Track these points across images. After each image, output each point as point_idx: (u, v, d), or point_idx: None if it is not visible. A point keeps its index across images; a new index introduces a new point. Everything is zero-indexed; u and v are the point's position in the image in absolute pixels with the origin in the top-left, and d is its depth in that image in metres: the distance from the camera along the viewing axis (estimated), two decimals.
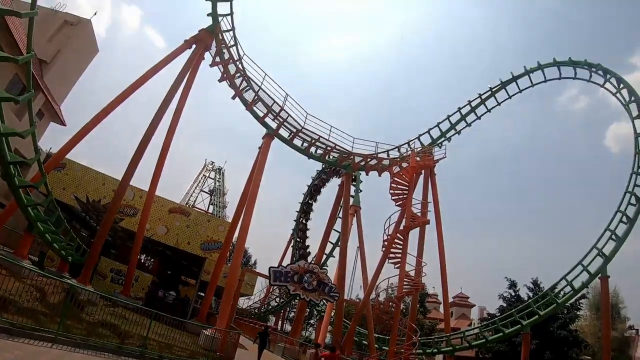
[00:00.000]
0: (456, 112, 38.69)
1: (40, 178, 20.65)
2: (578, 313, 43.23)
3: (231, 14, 27.64)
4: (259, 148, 29.86)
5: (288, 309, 63.37)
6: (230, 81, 28.19)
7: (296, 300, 45.33)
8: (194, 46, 27.57)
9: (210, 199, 79.23)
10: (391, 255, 30.22)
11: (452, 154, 60.17)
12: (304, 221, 52.94)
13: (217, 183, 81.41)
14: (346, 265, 31.83)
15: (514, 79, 37.63)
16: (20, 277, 15.79)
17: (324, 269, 27.75)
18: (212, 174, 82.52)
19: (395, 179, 30.95)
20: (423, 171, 34.71)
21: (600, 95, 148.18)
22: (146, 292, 32.33)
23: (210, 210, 72.87)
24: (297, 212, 53.46)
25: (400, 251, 30.02)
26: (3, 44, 24.68)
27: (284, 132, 30.24)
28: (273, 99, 28.67)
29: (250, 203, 27.10)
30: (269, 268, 25.05)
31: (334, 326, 30.89)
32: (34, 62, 24.67)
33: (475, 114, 38.55)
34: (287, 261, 49.81)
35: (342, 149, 31.67)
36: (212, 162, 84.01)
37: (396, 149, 36.03)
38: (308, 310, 51.52)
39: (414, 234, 32.21)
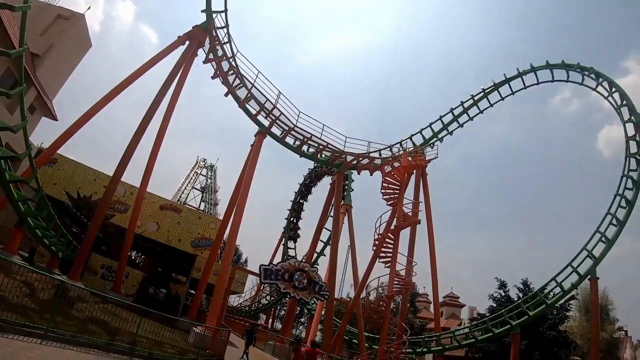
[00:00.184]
0: (448, 112, 38.75)
1: (31, 173, 20.58)
2: (567, 314, 43.39)
3: (225, 10, 27.66)
4: (251, 146, 29.80)
5: (279, 307, 63.41)
6: (224, 78, 28.14)
7: (287, 299, 45.37)
8: (187, 42, 27.57)
9: (202, 196, 78.98)
10: (382, 254, 30.32)
11: (444, 155, 60.48)
12: (294, 220, 52.99)
13: (209, 180, 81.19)
14: (337, 264, 31.89)
15: (507, 80, 37.77)
16: (10, 272, 15.74)
17: (315, 268, 27.79)
18: (204, 171, 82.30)
19: (387, 178, 31.04)
20: (415, 171, 34.78)
21: (593, 99, 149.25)
22: (137, 289, 32.22)
23: (202, 208, 72.62)
24: (289, 210, 53.49)
25: (391, 250, 30.13)
26: None
27: (276, 130, 30.21)
28: (266, 97, 28.65)
29: (241, 200, 27.06)
30: (260, 266, 25.06)
31: (324, 325, 30.94)
32: (27, 56, 24.50)
33: (468, 115, 38.64)
34: (278, 259, 49.78)
35: (334, 147, 31.70)
36: (204, 160, 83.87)
37: (388, 149, 36.09)
38: (298, 308, 51.55)
39: (404, 234, 32.36)
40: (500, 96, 38.39)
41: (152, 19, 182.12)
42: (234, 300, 59.40)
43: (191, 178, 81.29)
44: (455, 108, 38.74)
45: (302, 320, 67.60)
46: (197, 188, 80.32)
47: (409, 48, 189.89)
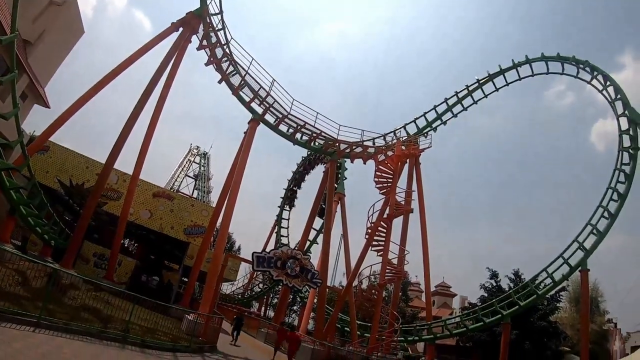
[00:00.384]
0: (443, 102, 38.74)
1: (23, 161, 20.45)
2: (558, 305, 43.79)
3: None
4: (245, 133, 29.71)
5: (271, 295, 63.59)
6: (217, 65, 27.98)
7: (279, 287, 45.52)
8: (180, 29, 27.35)
9: (195, 184, 78.83)
10: (374, 242, 30.40)
11: (438, 145, 60.58)
12: (287, 207, 53.04)
13: (202, 168, 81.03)
14: (329, 252, 31.96)
15: (502, 72, 37.74)
16: (3, 261, 15.70)
17: (307, 255, 27.80)
18: (197, 159, 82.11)
19: (380, 167, 31.05)
20: (408, 160, 34.79)
21: (587, 92, 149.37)
22: (129, 277, 32.24)
23: (195, 195, 72.59)
24: (282, 198, 53.51)
25: (384, 239, 30.23)
26: None
27: (269, 118, 30.10)
28: (259, 84, 28.48)
29: (234, 188, 27.02)
30: (252, 253, 25.01)
31: (317, 312, 31.08)
32: (18, 42, 24.21)
33: (462, 105, 38.65)
34: (271, 248, 49.88)
35: (327, 135, 31.65)
36: (197, 147, 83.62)
37: (382, 137, 36.13)
38: (291, 296, 51.70)
39: (397, 223, 32.47)
40: (495, 87, 38.41)
41: (145, 5, 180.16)
42: (226, 288, 59.60)
43: (184, 166, 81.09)
44: (449, 98, 38.75)
45: (295, 308, 67.85)
46: (190, 176, 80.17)
47: (404, 39, 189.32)
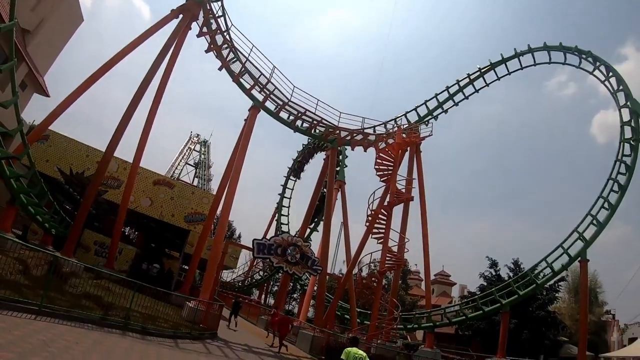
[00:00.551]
0: (444, 90, 38.54)
1: (23, 150, 20.35)
2: (557, 295, 43.88)
3: None
4: (245, 120, 29.60)
5: (271, 283, 63.79)
6: (217, 52, 27.80)
7: (279, 274, 45.63)
8: (180, 16, 27.10)
9: (195, 172, 78.89)
10: (375, 230, 30.48)
11: (439, 134, 60.52)
12: (288, 195, 52.98)
13: (202, 156, 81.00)
14: (330, 240, 31.99)
15: (504, 60, 37.47)
16: (3, 250, 15.69)
17: (308, 243, 27.82)
18: (198, 147, 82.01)
19: (381, 154, 31.02)
20: (409, 148, 34.74)
21: (589, 83, 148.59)
22: (130, 265, 32.30)
23: (195, 183, 72.57)
24: (282, 186, 53.41)
25: (384, 227, 30.27)
26: None
27: (270, 105, 29.94)
28: (260, 71, 28.31)
29: (235, 175, 26.96)
30: (253, 240, 24.99)
31: (317, 300, 31.16)
32: (17, 31, 23.99)
33: (463, 94, 38.45)
34: (271, 235, 49.94)
35: (328, 123, 31.53)
36: (198, 135, 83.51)
37: (382, 125, 35.95)
38: (291, 284, 51.86)
39: (397, 211, 32.48)
40: (497, 76, 38.14)
41: None
42: (227, 276, 59.79)
43: (184, 154, 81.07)
44: (451, 86, 38.53)
45: (295, 296, 68.10)
46: (191, 164, 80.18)
47: (405, 27, 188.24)
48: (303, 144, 50.58)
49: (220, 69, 28.23)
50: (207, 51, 27.79)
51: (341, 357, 9.37)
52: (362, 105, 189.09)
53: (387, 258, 30.11)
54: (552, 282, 36.21)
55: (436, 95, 38.61)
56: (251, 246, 25.24)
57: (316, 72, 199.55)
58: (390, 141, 32.08)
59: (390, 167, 31.10)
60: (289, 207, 52.71)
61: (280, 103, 29.80)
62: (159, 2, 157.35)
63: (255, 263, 54.74)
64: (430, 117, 38.31)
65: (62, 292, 15.05)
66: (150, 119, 27.58)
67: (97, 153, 31.55)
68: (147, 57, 27.19)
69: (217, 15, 27.28)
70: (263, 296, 60.90)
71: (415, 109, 38.54)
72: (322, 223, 37.70)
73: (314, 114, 30.59)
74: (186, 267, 38.10)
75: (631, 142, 29.38)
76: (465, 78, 38.36)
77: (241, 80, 28.67)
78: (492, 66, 37.78)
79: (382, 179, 31.28)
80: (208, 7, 26.89)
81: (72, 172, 29.50)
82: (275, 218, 54.04)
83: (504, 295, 30.99)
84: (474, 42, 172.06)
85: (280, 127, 31.14)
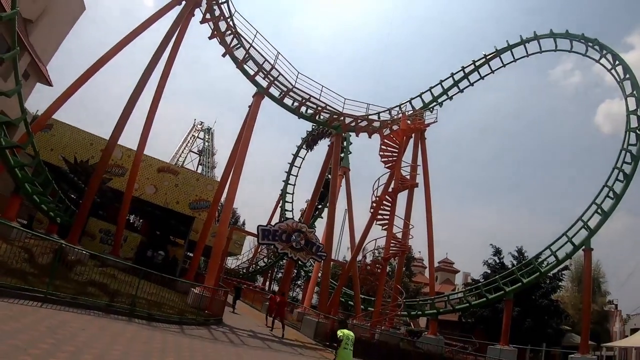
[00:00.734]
0: (449, 77, 38.29)
1: (27, 139, 20.32)
2: (560, 284, 43.76)
3: None
4: (249, 107, 29.52)
5: (276, 270, 64.01)
6: (221, 39, 27.59)
7: (284, 261, 45.77)
8: (183, 2, 26.97)
9: (199, 159, 78.87)
10: (379, 216, 30.48)
11: (443, 121, 59.87)
12: (292, 182, 52.99)
13: (206, 143, 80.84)
14: (334, 226, 31.99)
15: (509, 47, 37.21)
16: (9, 239, 15.73)
17: (313, 229, 27.78)
18: (201, 134, 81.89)
19: (386, 141, 30.91)
20: (413, 134, 34.64)
21: (595, 72, 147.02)
22: (135, 252, 32.42)
23: (199, 171, 72.56)
24: (286, 172, 53.39)
25: (389, 213, 30.23)
26: None
27: (274, 91, 29.86)
28: (264, 57, 28.14)
29: (239, 161, 26.95)
30: (258, 226, 24.99)
31: (321, 286, 31.21)
32: (19, 21, 23.85)
33: (468, 81, 38.20)
34: (275, 222, 50.04)
35: (332, 109, 31.37)
36: (201, 122, 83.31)
37: (387, 112, 35.80)
38: (295, 271, 52.06)
39: (402, 197, 32.44)
40: (502, 63, 37.92)
41: None
42: (231, 263, 59.99)
43: (188, 141, 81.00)
44: (455, 73, 38.26)
45: (299, 282, 68.37)
46: (195, 151, 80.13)
47: (411, 13, 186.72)
48: (307, 131, 50.52)
49: (224, 55, 28.05)
50: (210, 38, 27.60)
51: (339, 337, 11.04)
52: (366, 91, 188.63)
53: (392, 244, 30.12)
54: (555, 270, 36.16)
55: (441, 82, 38.36)
56: (256, 232, 25.25)
57: (320, 59, 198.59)
58: (395, 128, 31.98)
59: (394, 154, 31.00)
60: (293, 193, 52.81)
61: (285, 89, 29.67)
62: None
63: (259, 250, 54.92)
64: (435, 103, 38.16)
65: (68, 279, 15.11)
66: (154, 106, 27.52)
67: (101, 141, 31.52)
68: (150, 44, 27.10)
69: (220, 1, 27.06)
70: (267, 283, 61.15)
71: (420, 96, 38.37)
72: (326, 209, 37.71)
73: (319, 100, 30.45)
74: (191, 254, 38.25)
75: (637, 131, 29.17)
76: (470, 65, 38.10)
77: (245, 66, 28.53)
78: (498, 53, 37.50)
79: (386, 166, 31.21)
80: None
81: (76, 160, 29.50)
82: (280, 205, 54.13)
83: (507, 283, 31.04)
84: (480, 29, 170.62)
85: (286, 114, 31.04)
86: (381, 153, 30.98)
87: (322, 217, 46.30)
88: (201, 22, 27.35)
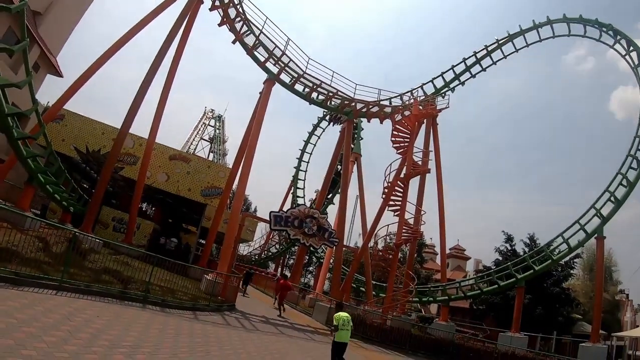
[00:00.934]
0: (461, 62, 37.91)
1: (38, 130, 20.41)
2: (571, 272, 43.43)
3: None
4: (260, 93, 29.46)
5: (287, 256, 64.23)
6: (230, 25, 27.41)
7: (295, 247, 45.89)
8: None
9: (211, 147, 79.06)
10: (391, 202, 30.41)
11: (455, 107, 59.64)
12: (303, 168, 52.92)
13: (217, 131, 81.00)
14: (346, 212, 31.97)
15: (522, 32, 36.70)
16: (23, 229, 15.86)
17: (325, 215, 27.77)
18: (212, 122, 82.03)
19: (397, 126, 30.74)
20: (425, 120, 34.41)
21: (608, 58, 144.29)
22: (148, 240, 32.65)
23: (210, 158, 72.76)
24: (298, 159, 53.33)
25: (400, 199, 30.14)
26: None
27: (285, 77, 29.75)
28: (274, 44, 28.00)
29: (250, 148, 26.96)
30: (270, 212, 24.99)
31: (333, 272, 31.34)
32: (28, 14, 23.89)
33: (481, 66, 37.79)
34: (287, 208, 50.07)
35: (344, 95, 31.26)
36: (212, 110, 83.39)
37: (399, 97, 35.62)
38: (307, 257, 52.17)
39: (414, 183, 32.30)
40: (515, 48, 37.44)
41: None
42: (243, 249, 60.32)
43: (199, 129, 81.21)
44: (467, 58, 37.86)
45: (311, 269, 68.60)
46: (206, 139, 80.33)
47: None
48: (319, 117, 50.39)
49: (234, 42, 27.92)
50: (220, 25, 27.42)
51: (334, 323, 11.47)
52: (377, 79, 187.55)
53: (403, 230, 30.06)
54: (567, 258, 35.94)
55: (453, 67, 37.98)
56: (268, 219, 25.28)
57: (329, 47, 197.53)
58: (407, 113, 31.79)
59: (406, 139, 30.83)
60: (304, 180, 52.75)
61: (295, 75, 29.56)
62: None
63: (271, 236, 55.09)
64: (447, 89, 37.82)
65: (82, 267, 15.25)
66: (165, 94, 27.54)
67: (113, 130, 31.69)
68: (160, 33, 27.08)
69: None
70: (279, 269, 61.42)
71: (431, 81, 38.06)
72: (338, 196, 37.67)
73: (330, 85, 30.36)
74: (203, 241, 38.42)
75: None
76: (482, 50, 37.65)
77: (255, 53, 28.40)
78: (510, 38, 37.01)
79: (398, 151, 31.06)
80: None
81: (88, 150, 29.65)
82: (291, 191, 54.15)
83: (519, 270, 30.84)
84: (492, 14, 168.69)
85: (297, 101, 30.98)
86: (393, 139, 30.82)
87: (333, 204, 46.35)
88: (210, 9, 27.17)
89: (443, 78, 37.99)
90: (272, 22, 27.49)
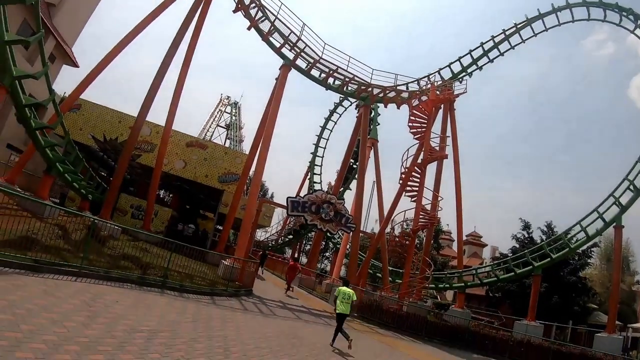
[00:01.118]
0: (478, 47, 37.25)
1: (56, 119, 20.63)
2: (589, 261, 42.96)
3: None
4: (276, 79, 29.40)
5: (304, 242, 64.34)
6: (245, 11, 27.29)
7: (312, 233, 46.00)
8: None
9: (227, 134, 79.25)
10: (408, 188, 30.28)
11: (472, 92, 58.97)
12: (320, 154, 52.78)
13: (234, 117, 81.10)
14: (363, 197, 31.89)
15: (540, 16, 35.93)
16: (42, 217, 16.07)
17: (342, 200, 27.70)
18: (228, 109, 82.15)
19: (414, 111, 30.51)
20: (442, 105, 34.09)
21: (629, 43, 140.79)
22: (166, 226, 32.92)
23: (227, 145, 72.94)
24: (314, 145, 53.17)
25: (418, 184, 29.99)
26: None
27: (301, 63, 29.62)
28: (290, 29, 27.85)
29: (267, 133, 26.98)
30: (287, 198, 24.93)
31: (350, 258, 31.35)
32: (42, 5, 24.03)
33: (498, 50, 37.11)
34: (304, 194, 50.08)
35: (360, 80, 31.05)
36: (228, 97, 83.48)
37: (415, 82, 35.22)
38: (323, 243, 52.22)
39: (431, 169, 32.10)
40: (533, 32, 36.66)
41: None
42: (260, 235, 60.58)
43: (216, 116, 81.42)
44: (485, 42, 37.20)
45: (327, 254, 68.75)
46: (222, 126, 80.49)
47: None
48: (335, 102, 50.19)
49: (249, 28, 27.81)
50: (234, 11, 27.30)
51: (336, 294, 14.17)
52: (395, 65, 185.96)
53: (420, 216, 29.95)
54: (585, 247, 35.60)
55: (470, 51, 37.39)
56: (285, 204, 25.31)
57: (347, 33, 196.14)
58: (424, 98, 31.49)
59: (423, 125, 30.60)
60: (321, 165, 52.64)
61: (311, 61, 29.42)
62: None
63: (288, 222, 55.18)
64: (464, 74, 37.30)
65: (101, 254, 15.43)
66: (181, 82, 27.54)
67: (130, 118, 31.93)
68: (175, 20, 27.05)
69: None
70: (296, 255, 61.57)
71: (449, 66, 37.55)
72: (354, 181, 37.58)
73: (346, 71, 30.18)
74: (220, 227, 38.69)
75: None
76: (501, 34, 36.98)
77: (271, 39, 28.28)
78: (528, 22, 36.29)
79: (415, 137, 30.87)
80: None
81: (105, 138, 29.88)
82: (308, 177, 54.11)
83: (536, 258, 30.63)
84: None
85: (314, 87, 30.85)
86: (410, 124, 30.61)
87: (350, 189, 46.21)
88: None
89: (460, 63, 37.45)
90: (287, 7, 27.35)
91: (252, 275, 22.28)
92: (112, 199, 23.98)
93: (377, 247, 34.91)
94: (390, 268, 37.38)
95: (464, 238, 46.81)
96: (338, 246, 41.76)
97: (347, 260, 37.10)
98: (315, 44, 28.67)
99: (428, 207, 30.76)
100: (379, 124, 43.09)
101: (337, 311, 13.81)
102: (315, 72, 30.44)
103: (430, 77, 36.70)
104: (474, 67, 37.37)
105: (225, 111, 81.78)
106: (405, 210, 31.69)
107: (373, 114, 42.00)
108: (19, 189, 19.88)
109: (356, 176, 35.41)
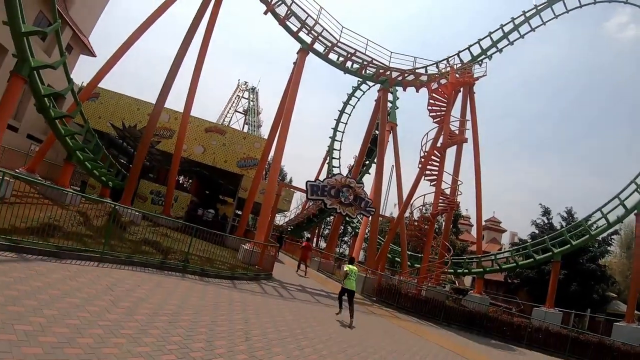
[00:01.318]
0: (498, 29, 36.64)
1: (75, 108, 20.85)
2: (608, 248, 42.36)
3: None
4: (294, 63, 29.28)
5: (323, 226, 64.49)
6: None
7: (331, 217, 46.04)
8: None
9: (245, 119, 79.43)
10: (427, 172, 30.12)
11: (492, 75, 58.13)
12: (339, 138, 52.68)
13: (252, 103, 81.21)
14: (382, 181, 31.80)
15: None
16: (64, 204, 16.29)
17: (361, 184, 27.61)
18: (246, 94, 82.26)
19: (434, 95, 30.18)
20: (462, 89, 33.70)
21: None
22: (186, 212, 33.20)
23: (245, 130, 73.17)
24: (333, 129, 53.05)
25: (437, 168, 29.79)
26: None
27: (319, 47, 29.36)
28: (307, 13, 27.63)
29: (286, 118, 26.92)
30: (306, 182, 24.88)
31: (369, 242, 31.33)
32: None
33: (519, 32, 36.49)
34: (322, 178, 50.06)
35: (379, 63, 30.71)
36: (246, 82, 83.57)
37: (434, 65, 34.79)
38: (342, 227, 52.27)
39: (450, 153, 31.84)
40: (554, 14, 36.03)
41: None
42: (279, 219, 60.82)
43: (233, 101, 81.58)
44: (505, 24, 36.58)
45: (346, 239, 68.86)
46: (240, 111, 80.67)
47: None
48: (353, 86, 49.95)
49: (265, 13, 27.62)
50: None
51: (345, 271, 15.68)
52: (413, 48, 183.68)
53: (440, 200, 29.78)
54: (605, 234, 35.17)
55: (490, 34, 36.75)
56: (304, 188, 25.33)
57: (365, 18, 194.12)
58: (443, 81, 31.16)
59: (443, 108, 30.28)
60: (340, 149, 52.58)
61: (329, 44, 29.17)
62: None
63: (307, 206, 55.29)
64: (484, 56, 36.72)
65: (122, 239, 15.67)
66: (198, 68, 27.57)
67: (148, 105, 32.12)
68: (191, 7, 27.00)
69: None
70: (315, 239, 61.75)
71: (468, 48, 36.97)
72: (373, 165, 37.44)
73: (364, 54, 29.84)
74: (240, 212, 38.91)
75: None
76: (521, 16, 36.34)
77: (287, 23, 28.06)
78: (549, 3, 35.61)
79: (435, 120, 30.60)
80: None
81: (124, 125, 30.11)
82: (327, 161, 54.10)
83: (555, 245, 30.35)
84: None
85: (331, 72, 30.67)
86: (429, 107, 30.29)
87: (369, 173, 46.12)
88: None
89: (480, 45, 36.84)
90: None
91: (271, 259, 22.42)
92: (132, 186, 24.22)
93: (396, 232, 34.83)
94: (409, 252, 37.36)
95: (483, 223, 46.51)
96: (357, 230, 41.79)
97: (366, 245, 37.10)
98: (332, 28, 28.46)
99: (447, 191, 30.58)
100: (397, 108, 42.77)
101: (348, 287, 15.11)
102: (333, 56, 30.19)
103: (450, 60, 36.26)
104: (494, 49, 36.76)
105: (243, 96, 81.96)
106: (424, 195, 31.67)
107: (392, 97, 41.75)
108: (39, 178, 20.23)
109: (375, 160, 35.21)
